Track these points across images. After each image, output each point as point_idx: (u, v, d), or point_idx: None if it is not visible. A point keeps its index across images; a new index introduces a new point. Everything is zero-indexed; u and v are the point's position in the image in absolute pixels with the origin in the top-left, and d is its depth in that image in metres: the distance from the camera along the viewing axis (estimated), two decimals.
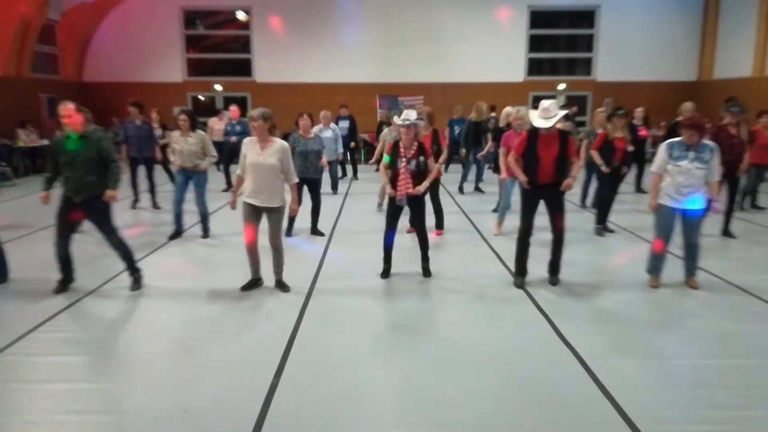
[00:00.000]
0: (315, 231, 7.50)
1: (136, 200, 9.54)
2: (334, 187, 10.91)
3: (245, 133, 10.68)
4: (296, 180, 5.12)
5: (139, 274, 5.43)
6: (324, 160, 7.37)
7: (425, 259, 5.80)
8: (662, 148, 5.28)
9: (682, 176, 5.10)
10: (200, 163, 7.06)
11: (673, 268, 5.67)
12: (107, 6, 16.67)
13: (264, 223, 5.17)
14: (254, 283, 5.38)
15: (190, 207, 7.51)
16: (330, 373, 3.77)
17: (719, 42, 16.51)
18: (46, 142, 14.15)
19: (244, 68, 17.57)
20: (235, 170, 5.24)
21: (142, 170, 9.34)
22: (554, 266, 5.53)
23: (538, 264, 5.70)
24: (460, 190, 10.80)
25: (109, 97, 16.39)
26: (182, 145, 7.00)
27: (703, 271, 5.93)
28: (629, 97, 16.05)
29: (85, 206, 5.09)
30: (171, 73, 17.40)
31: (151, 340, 4.33)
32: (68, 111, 4.93)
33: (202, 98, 17.86)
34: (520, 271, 5.52)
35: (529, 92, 17.34)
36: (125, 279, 5.69)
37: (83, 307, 4.97)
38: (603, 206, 7.51)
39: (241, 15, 17.56)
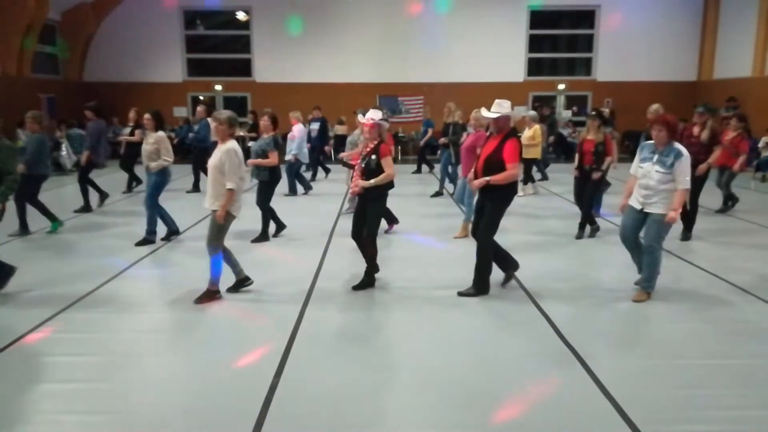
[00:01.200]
0: (257, 238, 7.12)
1: (96, 201, 9.16)
2: (290, 190, 10.40)
3: (199, 132, 10.55)
4: (230, 185, 4.80)
5: None
6: (251, 161, 6.91)
7: (366, 271, 5.41)
8: (638, 149, 5.15)
9: (643, 179, 4.89)
10: (150, 164, 6.84)
11: (675, 270, 5.67)
12: (107, 6, 16.69)
13: (234, 225, 5.12)
14: (239, 284, 5.27)
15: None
16: (330, 374, 3.77)
17: (719, 42, 16.51)
18: None
19: (244, 68, 17.58)
20: (204, 171, 5.08)
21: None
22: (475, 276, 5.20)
23: (545, 266, 5.70)
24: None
25: (109, 97, 16.39)
26: (144, 145, 6.99)
27: (700, 269, 5.94)
28: (629, 97, 16.10)
29: None
30: (171, 73, 17.43)
31: (149, 340, 4.33)
32: None
33: (202, 98, 17.85)
34: (504, 267, 5.40)
35: (529, 92, 17.37)
36: (123, 280, 5.70)
37: (82, 307, 4.96)
38: (582, 210, 7.33)
39: (241, 15, 17.58)
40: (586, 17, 17.57)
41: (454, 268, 5.87)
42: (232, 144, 4.92)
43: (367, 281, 5.39)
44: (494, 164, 4.94)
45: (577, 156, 7.28)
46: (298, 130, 9.94)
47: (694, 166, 6.63)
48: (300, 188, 10.53)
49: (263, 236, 7.17)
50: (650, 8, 16.96)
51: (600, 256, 6.67)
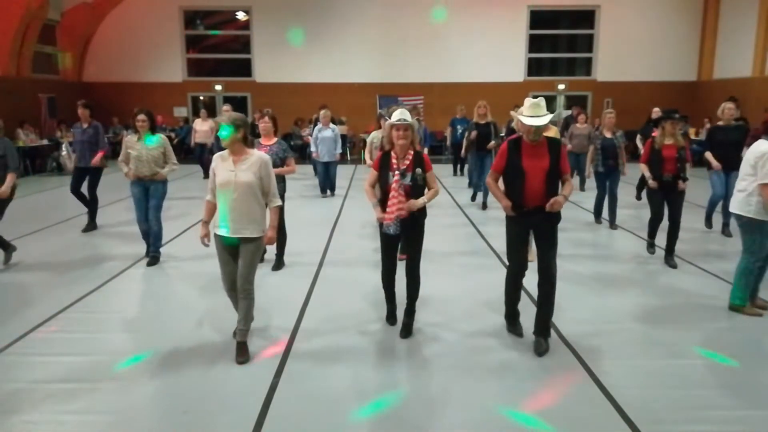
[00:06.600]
0: (279, 264, 6.07)
1: (90, 222, 7.81)
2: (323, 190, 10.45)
3: None
4: (278, 202, 4.05)
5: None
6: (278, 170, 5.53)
7: (409, 313, 4.40)
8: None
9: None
10: (160, 171, 6.04)
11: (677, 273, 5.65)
12: (107, 6, 16.68)
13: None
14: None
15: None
16: (330, 373, 3.77)
17: (719, 42, 16.51)
18: (45, 142, 14.18)
19: (244, 68, 17.58)
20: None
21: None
22: (544, 324, 4.13)
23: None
24: (473, 198, 9.81)
25: (109, 97, 16.40)
26: (140, 150, 5.97)
27: (705, 272, 5.94)
28: (629, 97, 16.11)
29: None
30: (171, 73, 17.42)
31: (150, 340, 4.33)
32: None
33: (202, 98, 17.86)
34: (512, 315, 4.42)
35: (529, 92, 17.31)
36: (124, 279, 5.70)
37: (82, 307, 4.97)
38: (652, 224, 6.39)
39: (241, 15, 17.58)
40: (586, 17, 17.57)
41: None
42: (263, 154, 4.03)
43: (409, 324, 4.42)
44: (556, 177, 4.03)
45: (644, 166, 6.21)
46: (332, 130, 10.39)
47: None
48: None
49: (282, 259, 6.14)
50: (650, 8, 16.96)
51: (616, 258, 6.67)
